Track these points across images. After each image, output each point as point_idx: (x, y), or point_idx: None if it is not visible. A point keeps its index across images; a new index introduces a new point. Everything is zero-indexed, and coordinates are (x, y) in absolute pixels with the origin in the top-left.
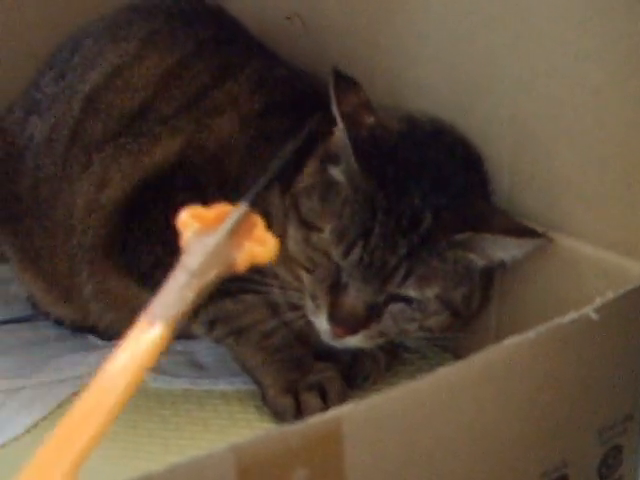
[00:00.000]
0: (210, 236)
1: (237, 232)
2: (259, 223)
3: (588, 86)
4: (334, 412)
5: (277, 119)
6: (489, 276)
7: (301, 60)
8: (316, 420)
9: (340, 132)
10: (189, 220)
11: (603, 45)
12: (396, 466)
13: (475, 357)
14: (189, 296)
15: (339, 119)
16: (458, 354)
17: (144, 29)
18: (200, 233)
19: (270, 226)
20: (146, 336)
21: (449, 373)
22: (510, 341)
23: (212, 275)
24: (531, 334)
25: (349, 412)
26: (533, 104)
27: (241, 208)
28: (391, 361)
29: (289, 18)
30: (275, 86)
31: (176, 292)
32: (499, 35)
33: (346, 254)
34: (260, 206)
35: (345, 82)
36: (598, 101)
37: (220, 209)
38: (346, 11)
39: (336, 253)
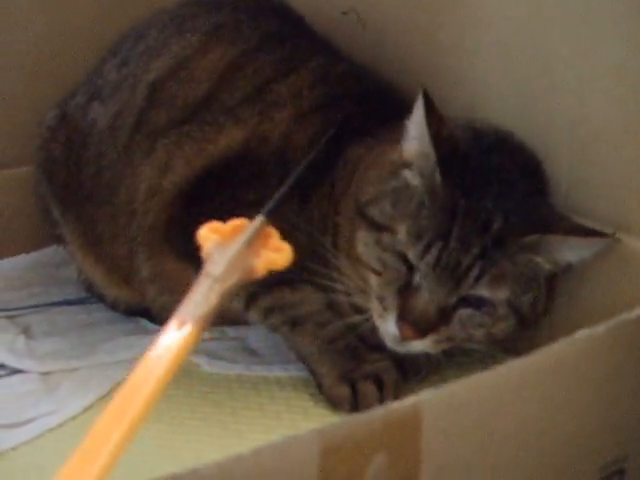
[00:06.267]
0: (229, 246)
1: (254, 242)
2: (274, 234)
3: None
4: (414, 398)
5: (339, 114)
6: (553, 283)
7: (358, 56)
8: (397, 406)
9: (420, 146)
10: (208, 234)
11: None
12: (469, 452)
13: (546, 349)
14: (213, 300)
15: (429, 140)
16: (506, 347)
17: (209, 22)
18: (219, 245)
19: (337, 235)
20: (178, 334)
21: (522, 364)
22: (580, 334)
23: (234, 280)
24: (600, 328)
25: (428, 398)
26: (597, 104)
27: (257, 220)
28: (442, 355)
29: (346, 13)
30: (337, 81)
31: (202, 296)
32: (561, 33)
33: (423, 254)
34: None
35: (429, 101)
36: None
37: (236, 223)
38: (404, 6)
39: (412, 253)
